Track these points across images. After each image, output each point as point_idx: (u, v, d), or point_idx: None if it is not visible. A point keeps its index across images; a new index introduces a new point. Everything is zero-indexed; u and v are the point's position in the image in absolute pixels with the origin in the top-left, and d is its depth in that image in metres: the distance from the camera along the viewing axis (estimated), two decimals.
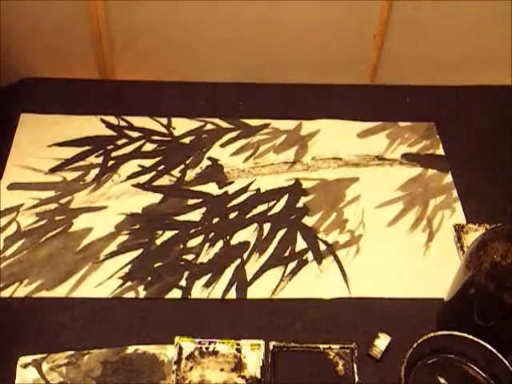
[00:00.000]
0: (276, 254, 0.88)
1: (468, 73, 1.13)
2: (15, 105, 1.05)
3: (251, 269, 0.86)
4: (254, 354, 0.76)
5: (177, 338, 0.76)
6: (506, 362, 0.70)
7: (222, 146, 1.02)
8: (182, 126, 1.05)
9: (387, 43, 1.13)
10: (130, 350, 0.76)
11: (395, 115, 1.08)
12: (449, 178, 0.99)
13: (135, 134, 1.03)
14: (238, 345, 0.76)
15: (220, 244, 0.89)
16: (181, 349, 0.76)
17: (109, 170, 0.97)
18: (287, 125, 1.06)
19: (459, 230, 0.90)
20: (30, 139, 1.00)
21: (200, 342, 0.76)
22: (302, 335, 0.78)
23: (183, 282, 0.84)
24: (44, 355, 0.75)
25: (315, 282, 0.85)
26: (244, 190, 0.96)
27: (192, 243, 0.89)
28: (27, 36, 1.07)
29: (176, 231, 0.90)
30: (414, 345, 0.71)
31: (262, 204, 0.94)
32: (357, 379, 0.74)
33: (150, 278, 0.84)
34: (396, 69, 1.16)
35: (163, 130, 1.04)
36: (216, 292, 0.83)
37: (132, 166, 0.98)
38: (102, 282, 0.83)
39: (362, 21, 1.10)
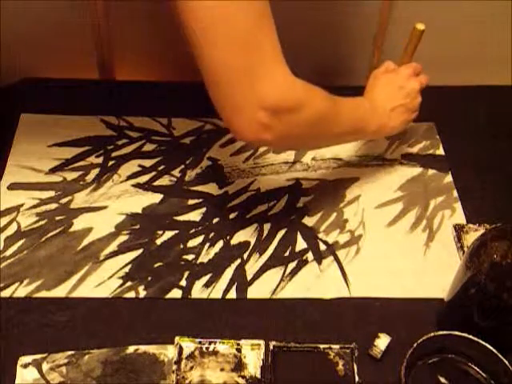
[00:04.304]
0: (276, 253, 0.88)
1: (468, 73, 1.13)
2: (15, 105, 1.05)
3: (251, 269, 0.86)
4: (254, 354, 0.76)
5: (177, 338, 0.76)
6: (506, 362, 0.70)
7: (222, 146, 1.02)
8: (182, 126, 1.05)
9: (387, 43, 1.13)
10: (130, 349, 0.76)
11: None
12: (449, 178, 0.99)
13: (135, 134, 1.03)
14: (238, 345, 0.76)
15: (220, 244, 0.89)
16: (181, 349, 0.76)
17: (109, 170, 0.97)
18: None
19: (459, 229, 0.90)
20: (30, 139, 1.00)
21: (200, 342, 0.76)
22: (302, 335, 0.78)
23: (183, 282, 0.84)
24: (44, 355, 0.75)
25: (315, 282, 0.85)
26: (244, 189, 0.96)
27: (192, 243, 0.89)
28: (27, 36, 1.07)
29: (176, 231, 0.90)
30: (414, 345, 0.71)
31: (261, 204, 0.94)
32: (357, 379, 0.74)
33: (150, 278, 0.84)
34: None
35: (163, 130, 1.04)
36: (216, 292, 0.83)
37: (132, 166, 0.98)
38: (102, 281, 0.83)
39: (361, 21, 1.10)
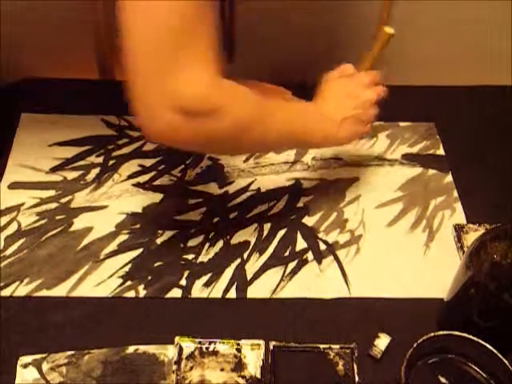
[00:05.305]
0: (276, 253, 0.88)
1: (468, 73, 1.13)
2: (15, 105, 1.05)
3: (251, 268, 0.86)
4: (254, 354, 0.76)
5: (177, 338, 0.76)
6: (506, 362, 0.70)
7: None
8: None
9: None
10: (130, 349, 0.76)
11: (395, 115, 1.08)
12: (449, 178, 0.99)
13: (136, 134, 1.03)
14: (238, 345, 0.76)
15: (220, 244, 0.89)
16: (181, 349, 0.76)
17: (109, 170, 0.97)
18: None
19: (459, 229, 0.90)
20: (30, 139, 1.00)
21: (200, 342, 0.76)
22: (302, 335, 0.78)
23: (183, 282, 0.84)
24: (44, 355, 0.75)
25: (315, 282, 0.85)
26: (244, 189, 0.96)
27: (192, 243, 0.89)
28: (27, 36, 1.07)
29: (176, 231, 0.90)
30: (414, 345, 0.71)
31: (262, 204, 0.94)
32: (357, 379, 0.74)
33: (150, 278, 0.84)
34: (396, 69, 1.16)
35: None
36: (216, 291, 0.83)
37: (132, 165, 0.98)
38: (102, 281, 0.83)
39: (361, 21, 1.10)
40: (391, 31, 0.84)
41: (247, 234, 0.90)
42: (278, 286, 0.84)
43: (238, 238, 0.89)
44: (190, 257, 0.87)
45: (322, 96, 0.86)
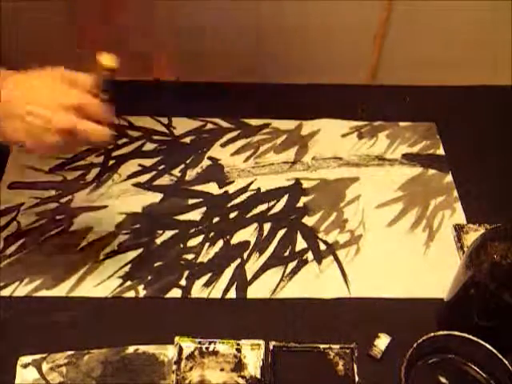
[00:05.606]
0: (276, 253, 0.88)
1: (468, 73, 1.13)
2: None
3: (251, 268, 0.86)
4: (253, 354, 0.76)
5: (177, 338, 0.76)
6: (506, 362, 0.70)
7: (223, 145, 1.02)
8: (183, 125, 1.05)
9: (387, 43, 1.13)
10: (130, 349, 0.76)
11: (395, 115, 1.08)
12: (449, 178, 0.99)
13: (136, 134, 1.03)
14: (238, 345, 0.76)
15: (220, 243, 0.89)
16: (181, 349, 0.76)
17: (109, 170, 0.97)
18: (287, 125, 1.06)
19: (459, 229, 0.90)
20: None
21: (200, 342, 0.76)
22: (302, 335, 0.78)
23: (183, 282, 0.84)
24: (44, 355, 0.75)
25: (315, 282, 0.85)
26: (244, 189, 0.96)
27: (192, 243, 0.89)
28: (27, 36, 1.07)
29: (176, 231, 0.90)
30: (414, 345, 0.71)
31: (262, 204, 0.94)
32: (357, 379, 0.74)
33: (149, 278, 0.84)
34: (396, 69, 1.16)
35: (164, 130, 1.04)
36: (216, 291, 0.83)
37: (132, 165, 0.98)
38: (102, 281, 0.83)
39: (362, 21, 1.10)
40: (107, 64, 0.71)
41: (247, 234, 0.90)
42: (277, 286, 0.84)
43: (237, 238, 0.89)
44: (190, 257, 0.87)
45: (24, 79, 0.70)
